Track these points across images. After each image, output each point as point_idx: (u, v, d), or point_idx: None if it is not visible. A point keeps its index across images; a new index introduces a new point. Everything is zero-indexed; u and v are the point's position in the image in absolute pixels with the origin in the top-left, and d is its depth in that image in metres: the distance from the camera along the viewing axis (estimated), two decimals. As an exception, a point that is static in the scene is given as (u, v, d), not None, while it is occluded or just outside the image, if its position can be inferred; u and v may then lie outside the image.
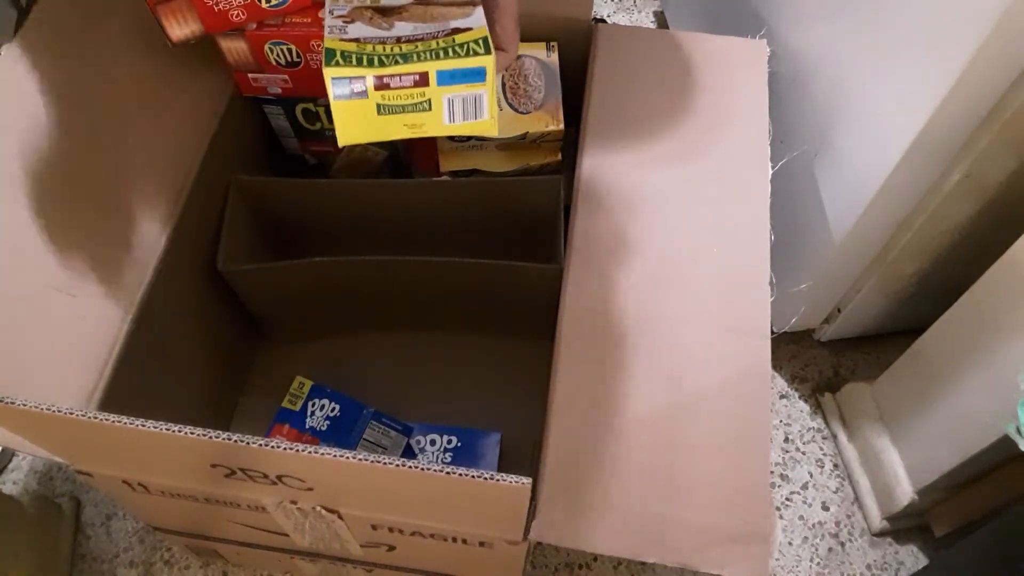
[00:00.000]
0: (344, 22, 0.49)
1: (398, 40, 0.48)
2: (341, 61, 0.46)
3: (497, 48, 0.51)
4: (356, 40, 0.48)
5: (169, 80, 0.66)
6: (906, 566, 0.86)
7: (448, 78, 0.46)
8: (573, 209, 0.62)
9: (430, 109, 0.47)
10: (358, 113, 0.47)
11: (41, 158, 0.62)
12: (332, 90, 0.46)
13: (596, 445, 0.52)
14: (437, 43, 0.47)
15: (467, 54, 0.46)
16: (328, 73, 0.46)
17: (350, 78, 0.45)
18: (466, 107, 0.48)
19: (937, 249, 0.77)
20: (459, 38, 0.47)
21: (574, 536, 0.50)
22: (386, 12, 0.50)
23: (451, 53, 0.46)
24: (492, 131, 0.49)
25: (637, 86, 0.68)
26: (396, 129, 0.47)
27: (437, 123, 0.48)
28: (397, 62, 0.46)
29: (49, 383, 0.54)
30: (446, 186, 0.70)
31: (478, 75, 0.46)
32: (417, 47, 0.47)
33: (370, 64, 0.46)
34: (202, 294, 0.68)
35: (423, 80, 0.46)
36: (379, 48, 0.47)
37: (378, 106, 0.46)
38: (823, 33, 0.71)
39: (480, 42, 0.47)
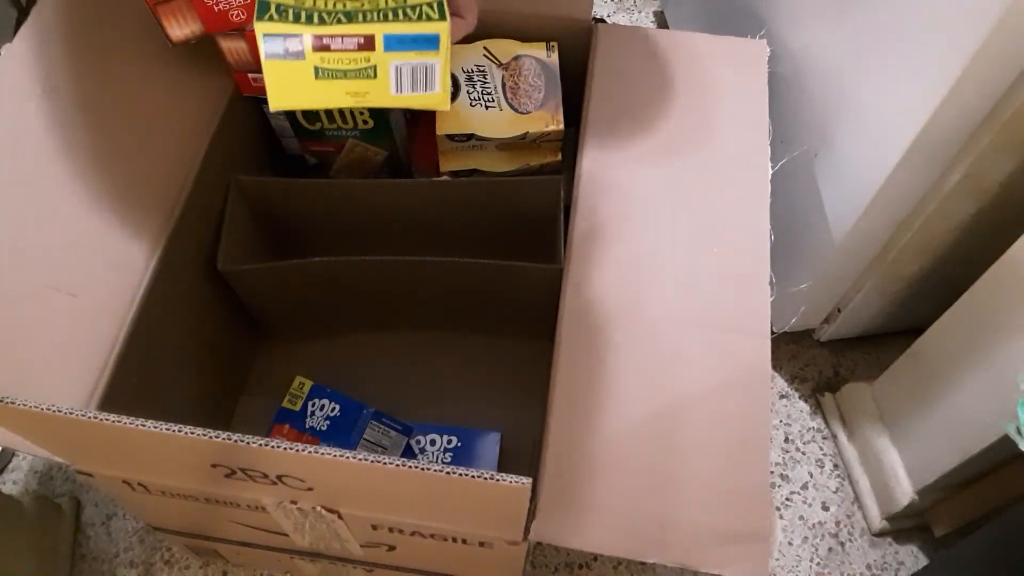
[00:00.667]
0: None
1: None
2: (275, 16, 0.41)
3: (454, 15, 0.47)
4: None
5: (169, 80, 0.66)
6: (906, 566, 0.86)
7: (397, 43, 0.41)
8: (573, 209, 0.62)
9: (375, 77, 0.42)
10: (293, 76, 0.42)
11: (40, 158, 0.62)
12: (263, 48, 0.41)
13: (596, 445, 0.52)
14: (386, 1, 0.42)
15: (419, 18, 0.41)
16: (259, 29, 0.41)
17: (284, 36, 0.41)
18: (416, 77, 0.43)
19: (937, 249, 0.77)
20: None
21: (574, 536, 0.50)
22: None
23: (401, 15, 0.41)
24: (444, 105, 0.44)
25: (637, 86, 0.68)
26: (337, 97, 0.43)
27: (384, 92, 0.43)
28: (340, 20, 0.41)
29: (49, 383, 0.54)
30: (446, 186, 0.70)
31: (431, 43, 0.42)
32: (364, 4, 0.42)
33: (309, 21, 0.41)
34: (202, 294, 0.68)
35: (368, 43, 0.41)
36: (320, 3, 0.42)
37: (316, 69, 0.42)
38: (823, 33, 0.71)
39: (435, 6, 0.42)
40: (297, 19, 0.41)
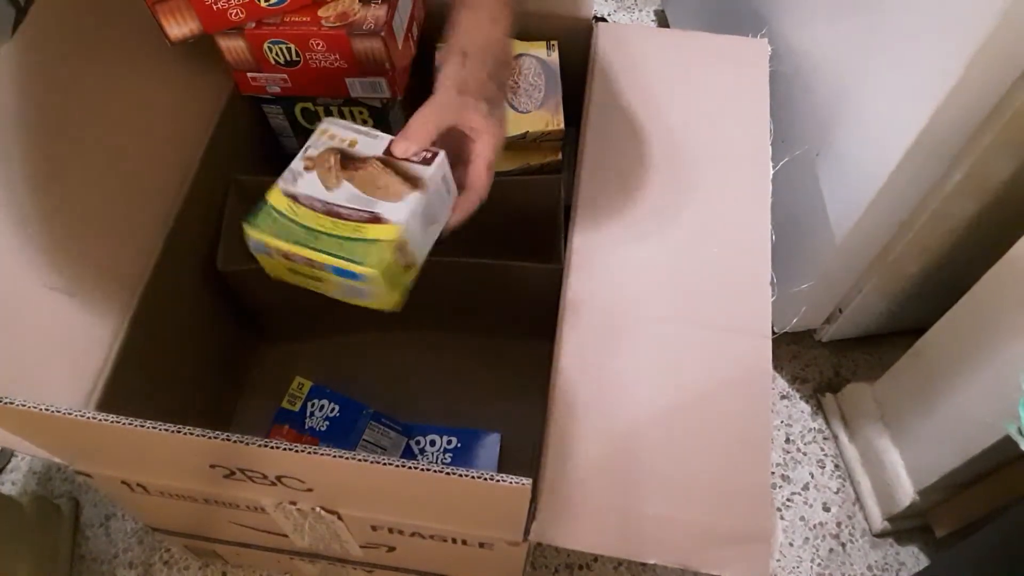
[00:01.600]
0: (306, 167, 0.53)
1: (328, 212, 0.51)
2: (261, 227, 0.50)
3: (467, 188, 0.54)
4: (294, 197, 0.51)
5: (168, 79, 0.66)
6: (907, 567, 0.86)
7: (336, 272, 0.50)
8: (573, 209, 0.62)
9: (324, 281, 0.52)
10: (273, 263, 0.52)
11: (39, 158, 0.61)
12: (248, 242, 0.51)
13: (596, 446, 0.52)
14: (349, 229, 0.50)
15: (355, 261, 0.49)
16: (246, 229, 0.50)
17: (264, 243, 0.50)
18: (351, 292, 0.52)
19: (938, 249, 0.77)
20: (369, 232, 0.50)
21: (574, 537, 0.50)
22: (347, 163, 0.52)
23: (345, 252, 0.49)
24: (381, 307, 0.53)
25: (637, 85, 0.68)
26: (307, 283, 0.53)
27: (335, 291, 0.52)
28: (306, 244, 0.49)
29: (49, 383, 0.54)
30: (446, 186, 0.70)
31: (359, 278, 0.49)
32: (337, 227, 0.50)
33: (282, 238, 0.50)
34: (202, 294, 0.68)
35: (319, 266, 0.50)
36: (306, 217, 0.50)
37: (286, 269, 0.52)
38: (824, 32, 0.71)
39: (375, 249, 0.49)
40: (275, 235, 0.50)
